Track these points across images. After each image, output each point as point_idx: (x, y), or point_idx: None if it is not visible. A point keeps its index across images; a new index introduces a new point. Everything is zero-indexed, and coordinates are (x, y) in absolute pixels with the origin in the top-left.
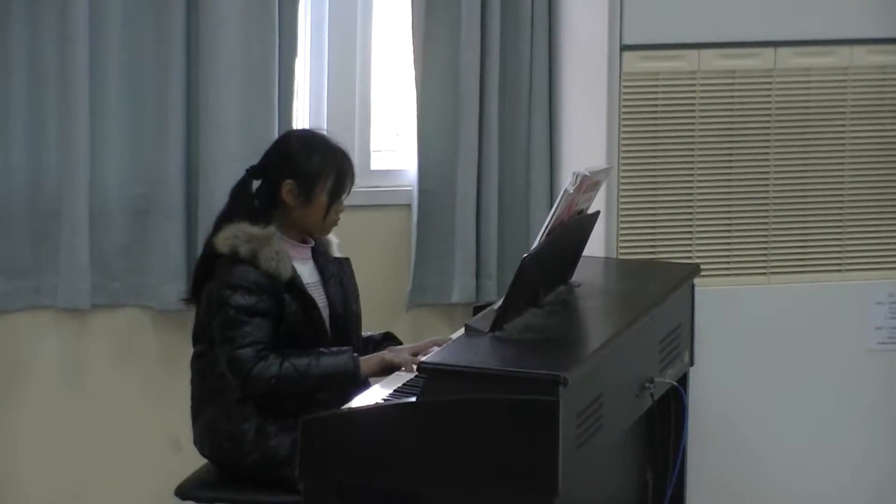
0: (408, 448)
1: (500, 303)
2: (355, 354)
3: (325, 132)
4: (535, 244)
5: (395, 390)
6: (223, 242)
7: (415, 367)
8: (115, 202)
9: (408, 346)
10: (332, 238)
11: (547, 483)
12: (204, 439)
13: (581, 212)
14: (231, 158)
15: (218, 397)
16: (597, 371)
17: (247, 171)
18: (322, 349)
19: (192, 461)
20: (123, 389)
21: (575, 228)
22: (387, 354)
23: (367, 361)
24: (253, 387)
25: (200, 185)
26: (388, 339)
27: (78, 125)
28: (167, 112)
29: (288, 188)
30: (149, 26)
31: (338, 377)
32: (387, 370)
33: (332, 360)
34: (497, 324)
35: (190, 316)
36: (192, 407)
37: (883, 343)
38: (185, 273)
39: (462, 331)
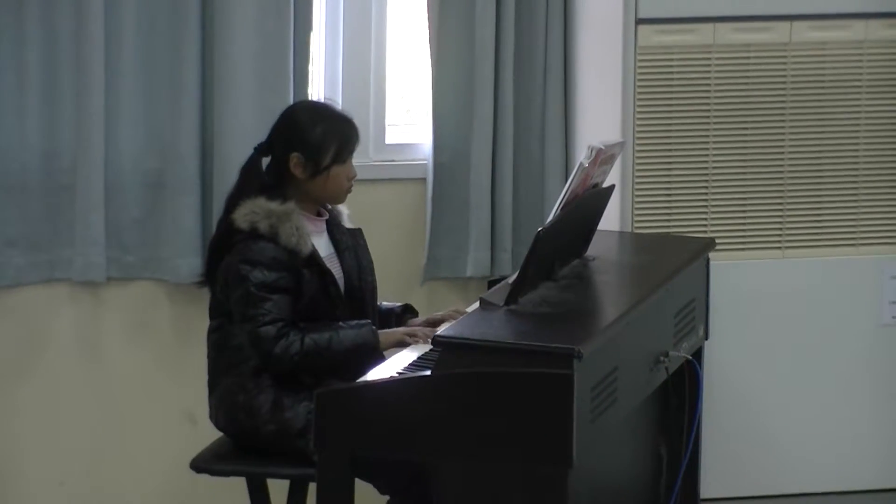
0: (422, 421)
1: (514, 276)
2: (374, 328)
3: (329, 101)
4: (550, 218)
5: (410, 364)
6: (242, 218)
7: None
8: (129, 175)
9: (422, 318)
10: (343, 209)
11: (561, 456)
12: (219, 412)
13: (596, 185)
14: (246, 132)
15: (233, 370)
16: (611, 344)
17: (255, 148)
18: (341, 323)
19: (207, 435)
20: (138, 363)
21: (590, 202)
22: (404, 334)
23: (387, 336)
24: (277, 364)
25: (215, 159)
26: (408, 312)
27: (93, 98)
28: (182, 85)
29: (295, 161)
30: (164, 1)
31: (359, 351)
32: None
33: (353, 333)
34: (512, 297)
35: (205, 289)
36: (209, 380)
37: None
38: (200, 247)
39: (477, 304)
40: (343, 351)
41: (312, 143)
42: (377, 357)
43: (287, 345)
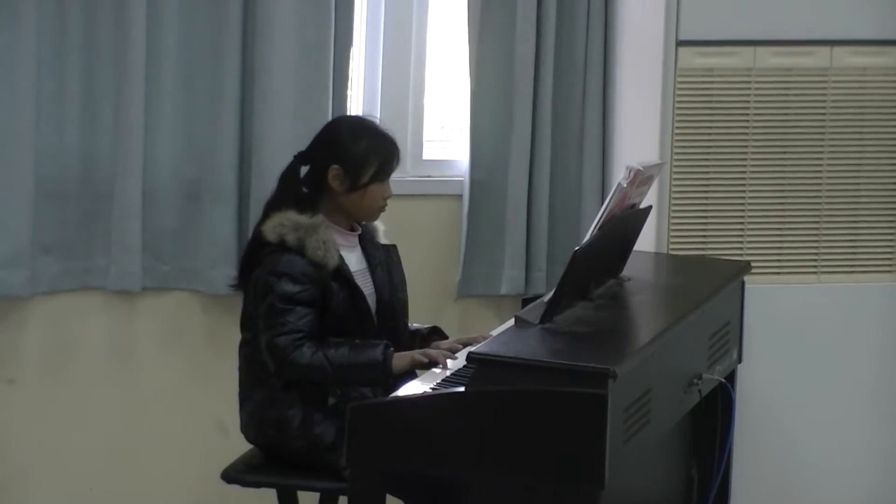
0: (455, 437)
1: (550, 295)
2: (391, 349)
3: (373, 119)
4: (587, 237)
5: (443, 380)
6: (271, 230)
7: (448, 361)
8: (167, 185)
9: (452, 339)
10: (379, 225)
11: (593, 476)
12: (250, 425)
13: (633, 206)
14: (284, 145)
15: (264, 384)
16: (645, 365)
17: (295, 156)
18: (358, 341)
19: (238, 446)
20: (170, 372)
21: (627, 222)
22: (416, 355)
23: (401, 358)
24: (288, 374)
25: (253, 171)
26: (435, 334)
27: (132, 108)
28: (221, 96)
29: (334, 173)
30: (205, 11)
31: (367, 368)
32: (420, 368)
33: (364, 351)
34: (547, 316)
35: (238, 300)
36: (240, 393)
37: None
38: (235, 258)
39: (512, 322)
40: (351, 366)
41: (354, 157)
42: (388, 377)
43: (299, 355)
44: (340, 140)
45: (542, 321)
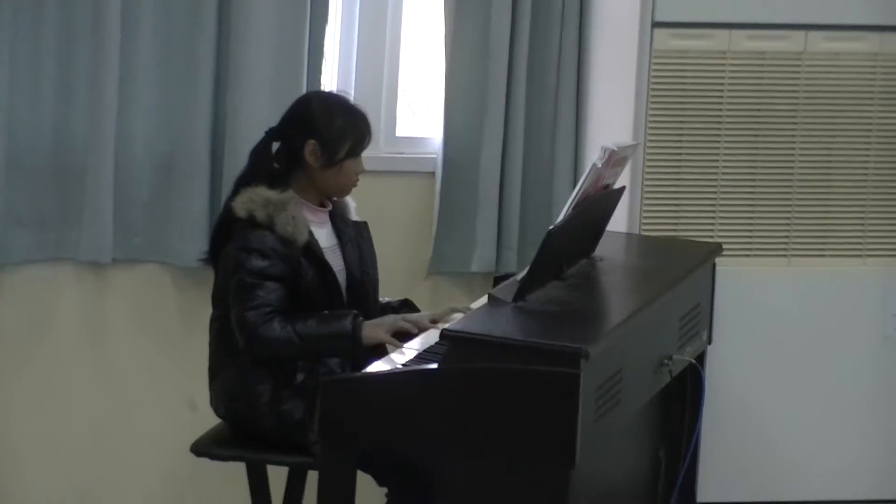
0: (426, 414)
1: (523, 274)
2: (360, 318)
3: (345, 94)
4: (562, 216)
5: (415, 357)
6: (241, 206)
7: (419, 339)
8: (140, 159)
9: (425, 313)
10: (350, 201)
11: (564, 455)
12: (219, 401)
13: (607, 186)
14: (258, 120)
15: (234, 361)
16: (617, 346)
17: (266, 132)
18: (327, 312)
19: (207, 420)
20: (140, 345)
21: (601, 203)
22: (402, 321)
23: (375, 327)
24: (256, 348)
25: (226, 146)
26: (407, 307)
27: (107, 81)
28: (196, 70)
29: (311, 148)
30: None
31: (337, 340)
32: (400, 336)
33: (332, 322)
34: (520, 294)
35: (209, 274)
36: (210, 368)
37: None
38: (207, 232)
39: (484, 299)
40: (320, 338)
41: (331, 133)
42: (358, 347)
43: (268, 329)
44: (315, 116)
45: (515, 300)
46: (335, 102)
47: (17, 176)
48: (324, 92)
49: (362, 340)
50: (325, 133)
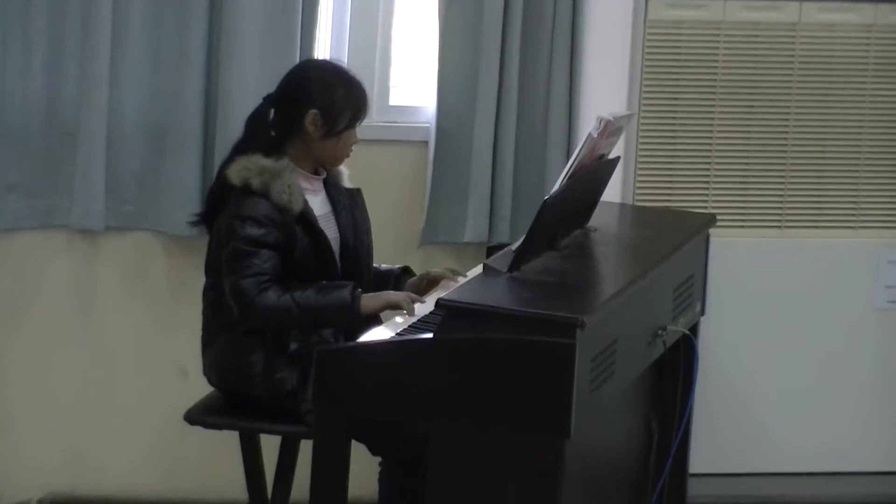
0: (421, 384)
1: (518, 243)
2: (358, 290)
3: (343, 64)
4: (557, 186)
5: (410, 326)
6: (235, 174)
7: (414, 308)
8: (132, 126)
9: (423, 273)
10: (344, 169)
11: (559, 425)
12: (212, 370)
13: (602, 157)
14: (250, 89)
15: (227, 329)
16: (612, 316)
17: (264, 98)
18: (325, 282)
19: (198, 388)
20: (132, 312)
21: (595, 173)
22: (405, 301)
23: (371, 299)
24: (252, 317)
25: (219, 114)
26: (407, 273)
27: (99, 49)
28: (189, 39)
29: (312, 118)
30: None
31: (336, 311)
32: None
33: (332, 293)
34: (515, 264)
35: (201, 242)
36: (203, 338)
37: (892, 302)
38: (199, 200)
39: (479, 269)
40: (319, 308)
41: (332, 104)
42: (356, 319)
43: (264, 298)
44: (316, 86)
45: (510, 270)
46: (336, 73)
47: (8, 144)
48: (324, 61)
49: (360, 311)
50: (326, 103)
